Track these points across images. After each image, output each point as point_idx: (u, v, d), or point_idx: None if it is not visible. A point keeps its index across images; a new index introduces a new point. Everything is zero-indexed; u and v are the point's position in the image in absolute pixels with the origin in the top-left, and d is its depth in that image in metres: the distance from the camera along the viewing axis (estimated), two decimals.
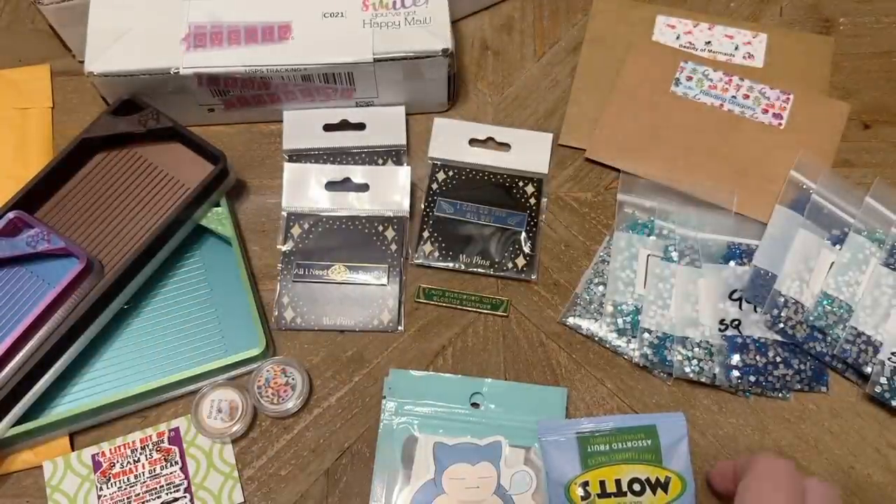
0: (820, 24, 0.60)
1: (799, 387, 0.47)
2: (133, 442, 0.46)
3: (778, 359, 0.48)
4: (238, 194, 0.54)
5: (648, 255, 0.51)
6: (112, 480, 0.46)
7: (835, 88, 0.57)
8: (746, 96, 0.55)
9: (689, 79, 0.56)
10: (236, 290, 0.50)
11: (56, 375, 0.46)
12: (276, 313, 0.50)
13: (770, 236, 0.50)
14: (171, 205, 0.50)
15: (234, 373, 0.48)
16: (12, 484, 0.46)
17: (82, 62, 0.51)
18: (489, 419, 0.46)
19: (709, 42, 0.58)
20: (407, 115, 0.56)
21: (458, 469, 0.43)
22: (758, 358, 0.48)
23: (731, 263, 0.50)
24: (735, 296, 0.49)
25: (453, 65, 0.53)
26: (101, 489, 0.45)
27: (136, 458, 0.46)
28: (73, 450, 0.47)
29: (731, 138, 0.54)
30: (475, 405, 0.47)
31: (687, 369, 0.47)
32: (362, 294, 0.50)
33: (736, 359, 0.48)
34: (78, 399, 0.47)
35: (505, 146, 0.55)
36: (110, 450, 0.46)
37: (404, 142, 0.55)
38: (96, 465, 0.46)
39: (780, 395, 0.48)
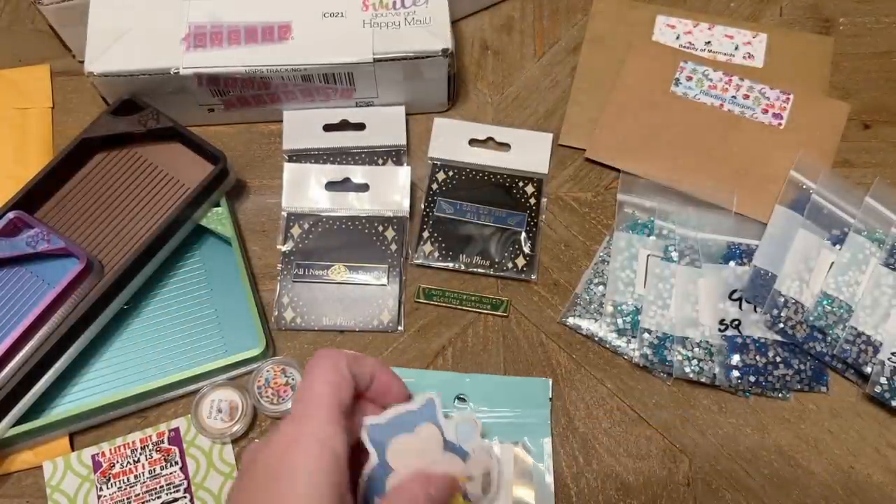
0: (820, 24, 0.60)
1: (799, 387, 0.47)
2: (133, 442, 0.46)
3: (778, 359, 0.48)
4: (238, 194, 0.54)
5: (648, 255, 0.51)
6: (112, 481, 0.46)
7: (834, 88, 0.57)
8: (746, 96, 0.55)
9: (689, 79, 0.56)
10: (236, 290, 0.50)
11: (56, 375, 0.46)
12: (276, 313, 0.50)
13: (770, 236, 0.50)
14: (171, 205, 0.50)
15: (234, 373, 0.48)
16: (12, 484, 0.46)
17: (82, 62, 0.51)
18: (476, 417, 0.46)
19: (709, 42, 0.58)
20: (407, 115, 0.56)
21: (400, 442, 0.40)
22: (758, 358, 0.48)
23: (731, 263, 0.50)
24: (735, 296, 0.49)
25: (453, 65, 0.53)
26: (100, 489, 0.45)
27: (135, 459, 0.46)
28: (73, 450, 0.47)
29: (731, 138, 0.54)
30: (462, 399, 0.47)
31: (687, 369, 0.47)
32: (362, 294, 0.50)
33: (736, 359, 0.48)
34: (78, 399, 0.47)
35: (505, 146, 0.55)
36: (110, 450, 0.46)
37: (404, 142, 0.55)
38: (96, 466, 0.46)
39: (780, 395, 0.48)
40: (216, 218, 0.51)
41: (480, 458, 0.41)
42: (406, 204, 0.52)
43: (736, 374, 0.47)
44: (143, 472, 0.46)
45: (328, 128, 0.55)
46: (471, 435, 0.41)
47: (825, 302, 0.48)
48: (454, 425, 0.41)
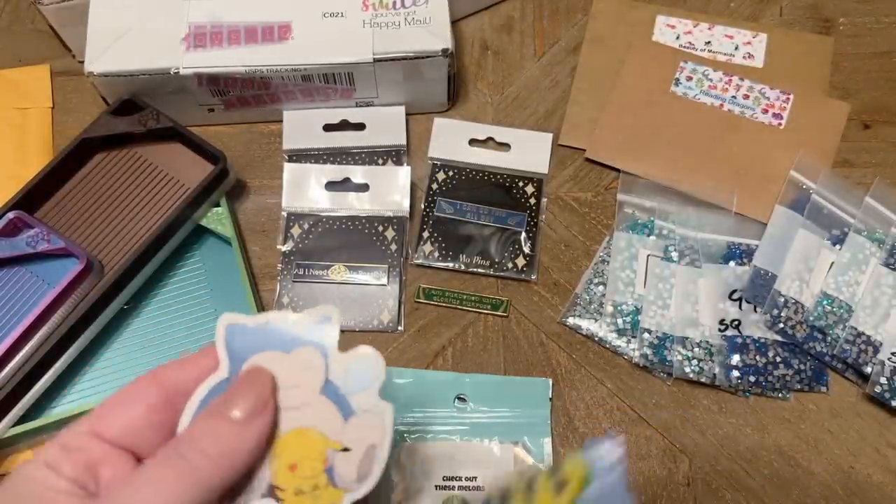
0: (820, 24, 0.60)
1: (799, 387, 0.47)
2: None
3: (778, 359, 0.48)
4: (238, 194, 0.54)
5: (648, 255, 0.51)
6: None
7: (834, 88, 0.57)
8: (746, 96, 0.56)
9: (689, 79, 0.56)
10: (236, 290, 0.50)
11: (56, 375, 0.46)
12: None
13: (770, 236, 0.50)
14: (171, 205, 0.50)
15: None
16: None
17: (82, 62, 0.51)
18: (475, 417, 0.46)
19: (709, 42, 0.58)
20: (407, 115, 0.56)
21: (265, 359, 0.29)
22: (758, 358, 0.48)
23: (731, 263, 0.50)
24: (735, 296, 0.49)
25: (453, 65, 0.53)
26: None
27: None
28: None
29: (731, 138, 0.54)
30: (462, 399, 0.47)
31: (687, 369, 0.47)
32: (362, 294, 0.50)
33: (736, 359, 0.48)
34: (78, 399, 0.47)
35: (505, 146, 0.55)
36: None
37: (404, 142, 0.55)
38: None
39: (779, 395, 0.48)
40: (216, 218, 0.51)
41: (368, 423, 0.29)
42: (406, 204, 0.52)
43: (736, 374, 0.47)
44: None
45: (328, 128, 0.55)
46: (366, 383, 0.29)
47: (825, 302, 0.48)
48: (346, 363, 0.29)
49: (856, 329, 0.47)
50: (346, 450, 0.28)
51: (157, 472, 0.25)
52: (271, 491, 0.28)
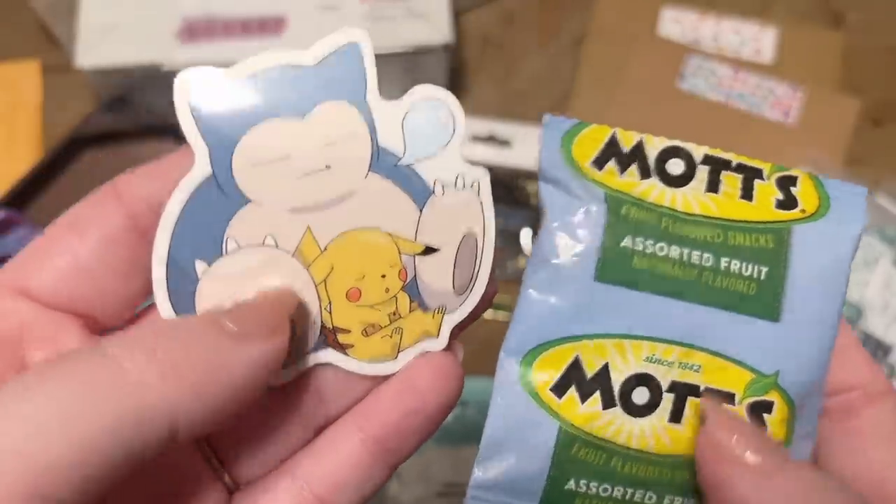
0: (830, 18, 0.59)
1: None
2: None
3: None
4: None
5: None
6: None
7: (844, 84, 0.56)
8: (755, 92, 0.55)
9: (696, 74, 0.55)
10: None
11: None
12: None
13: None
14: None
15: None
16: None
17: (73, 58, 0.50)
18: (476, 421, 0.45)
19: (716, 37, 0.57)
20: None
21: (268, 135, 0.18)
22: None
23: None
24: None
25: (454, 59, 0.52)
26: None
27: None
28: None
29: (739, 136, 0.53)
30: (462, 403, 0.46)
31: None
32: None
33: None
34: None
35: (506, 142, 0.54)
36: None
37: None
38: None
39: None
40: None
41: (455, 202, 0.19)
42: None
43: None
44: None
45: None
46: (438, 141, 0.19)
47: None
48: (400, 116, 0.19)
49: (865, 331, 0.47)
50: (429, 250, 0.19)
51: (62, 378, 0.15)
52: (329, 338, 0.19)
